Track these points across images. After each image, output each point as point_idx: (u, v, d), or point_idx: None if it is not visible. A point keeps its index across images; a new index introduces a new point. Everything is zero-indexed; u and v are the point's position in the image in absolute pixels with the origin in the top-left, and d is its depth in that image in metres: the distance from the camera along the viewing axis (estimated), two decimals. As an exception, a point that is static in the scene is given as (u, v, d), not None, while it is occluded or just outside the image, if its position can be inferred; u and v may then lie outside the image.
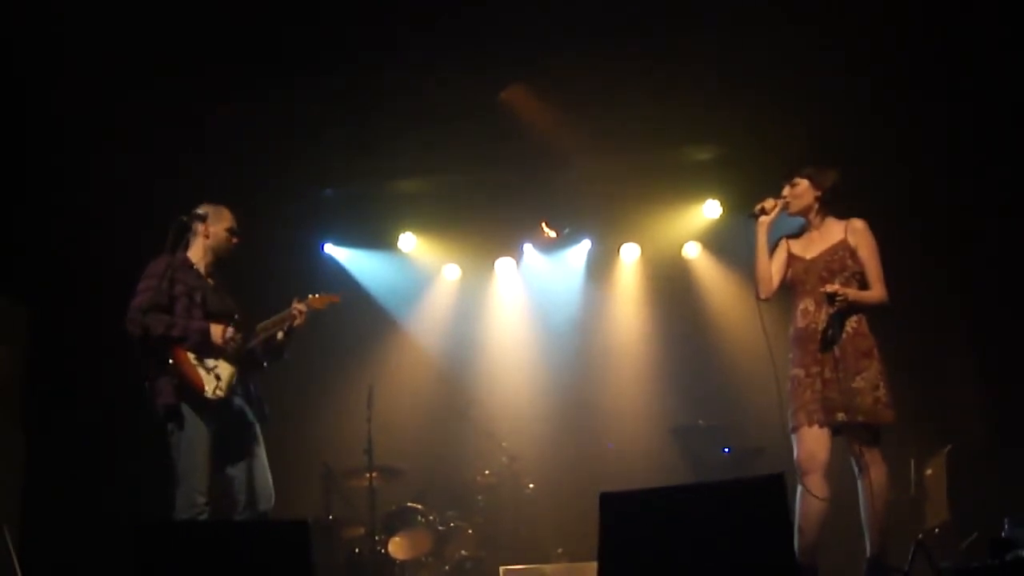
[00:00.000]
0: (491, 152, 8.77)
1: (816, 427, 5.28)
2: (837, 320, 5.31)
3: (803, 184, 5.55)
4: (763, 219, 5.51)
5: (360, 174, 9.14)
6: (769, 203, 5.53)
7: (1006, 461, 7.00)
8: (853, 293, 5.32)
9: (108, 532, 6.81)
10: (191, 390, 5.52)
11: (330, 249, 9.88)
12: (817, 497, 5.19)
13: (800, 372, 5.40)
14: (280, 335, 5.87)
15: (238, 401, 5.73)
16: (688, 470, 8.41)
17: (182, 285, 5.68)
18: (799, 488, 5.27)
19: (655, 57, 7.71)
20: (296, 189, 9.09)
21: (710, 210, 9.48)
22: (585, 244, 9.95)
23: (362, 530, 8.19)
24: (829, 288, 5.27)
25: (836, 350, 5.30)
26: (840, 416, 5.26)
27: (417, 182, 9.56)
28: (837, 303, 5.26)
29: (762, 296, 5.56)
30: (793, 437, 5.37)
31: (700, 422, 8.66)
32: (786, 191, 5.58)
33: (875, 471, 5.28)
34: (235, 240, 5.94)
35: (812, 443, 5.28)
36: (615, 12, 7.28)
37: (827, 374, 5.31)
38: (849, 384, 5.26)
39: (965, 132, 7.71)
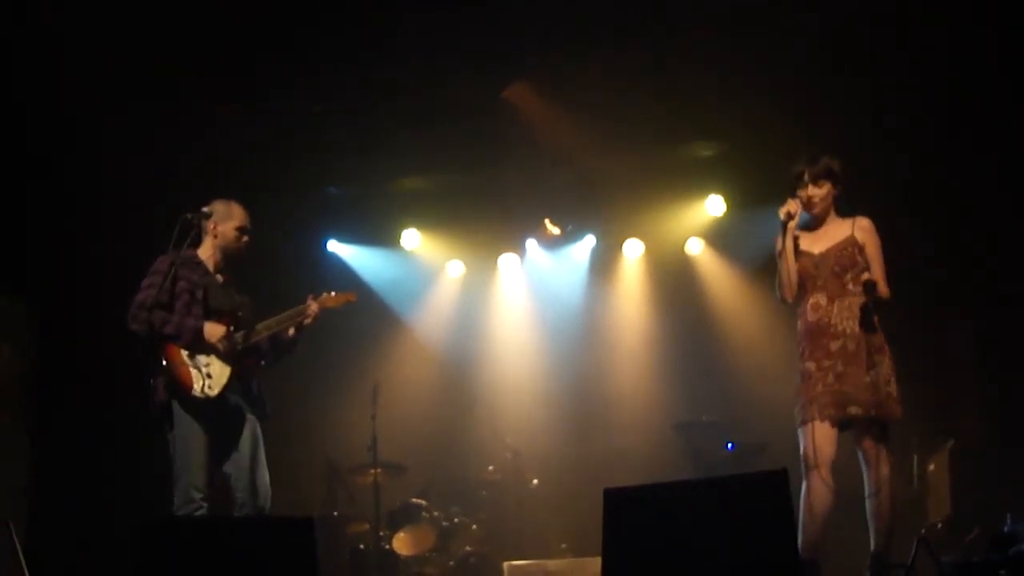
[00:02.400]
0: (494, 149, 8.79)
1: (826, 423, 5.26)
2: (869, 311, 5.31)
3: (827, 186, 5.54)
4: (791, 224, 5.48)
5: (363, 172, 9.16)
6: (794, 206, 5.44)
7: (1008, 457, 7.01)
8: (883, 288, 5.34)
9: (112, 529, 6.84)
10: (179, 388, 5.50)
11: (334, 246, 9.90)
12: (828, 484, 5.18)
13: (812, 366, 5.38)
14: (291, 331, 5.85)
15: (235, 399, 5.68)
16: (691, 466, 8.41)
17: (185, 282, 5.65)
18: (803, 483, 5.28)
19: (657, 54, 7.72)
20: (300, 187, 9.11)
21: (713, 206, 9.48)
22: (588, 240, 9.96)
23: (366, 526, 8.22)
24: (867, 276, 5.26)
25: (850, 344, 5.32)
26: (853, 410, 5.25)
27: (420, 179, 9.57)
28: (874, 293, 5.25)
29: (789, 300, 5.53)
30: (800, 431, 5.34)
31: (703, 418, 8.67)
32: (811, 191, 5.52)
33: (883, 467, 5.29)
34: (245, 239, 5.87)
35: (820, 438, 5.25)
36: (617, 10, 7.29)
37: (839, 368, 5.30)
38: (862, 379, 5.26)
39: (965, 129, 7.72)
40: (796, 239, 5.51)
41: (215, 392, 5.56)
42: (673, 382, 9.25)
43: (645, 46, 7.61)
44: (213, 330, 5.61)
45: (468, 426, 9.16)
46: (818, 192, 5.51)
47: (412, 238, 9.92)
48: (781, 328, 7.57)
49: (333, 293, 5.94)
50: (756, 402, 8.56)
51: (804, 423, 5.33)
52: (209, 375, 5.57)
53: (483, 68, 7.83)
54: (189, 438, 5.51)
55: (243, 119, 8.05)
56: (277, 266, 8.43)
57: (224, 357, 5.64)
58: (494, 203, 9.47)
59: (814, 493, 5.22)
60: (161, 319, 5.52)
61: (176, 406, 5.52)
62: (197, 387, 5.52)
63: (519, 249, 10.12)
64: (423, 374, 9.69)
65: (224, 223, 5.83)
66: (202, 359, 5.59)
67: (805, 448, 5.29)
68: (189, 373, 5.54)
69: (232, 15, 6.97)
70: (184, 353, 5.56)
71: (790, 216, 5.43)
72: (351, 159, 8.86)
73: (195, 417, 5.52)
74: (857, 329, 5.34)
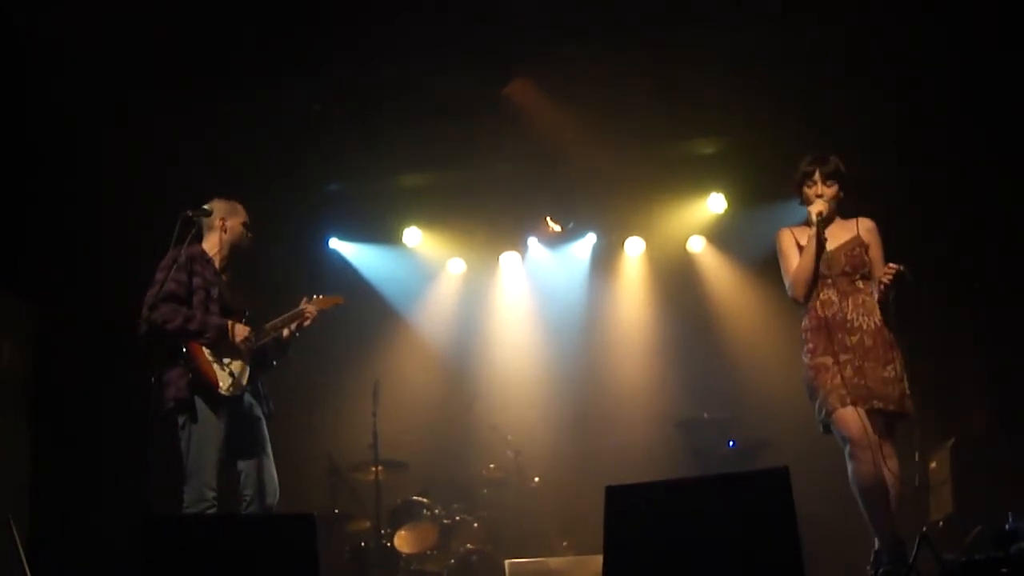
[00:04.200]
0: (495, 147, 8.78)
1: (852, 407, 5.21)
2: (889, 304, 5.35)
3: (835, 187, 5.55)
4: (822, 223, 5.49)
5: (365, 169, 9.14)
6: (824, 206, 5.47)
7: (1010, 454, 7.01)
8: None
9: (113, 526, 6.84)
10: (206, 386, 5.51)
11: (335, 244, 9.89)
12: (878, 464, 5.14)
13: (828, 360, 5.34)
14: (286, 332, 5.87)
15: (248, 397, 5.73)
16: (693, 463, 8.41)
17: (200, 278, 5.67)
18: (851, 470, 5.19)
19: (659, 50, 7.72)
20: (301, 185, 9.11)
21: (714, 204, 9.46)
22: (590, 238, 9.95)
23: (368, 524, 8.22)
24: (897, 267, 5.24)
25: (867, 339, 5.33)
26: (876, 403, 5.25)
27: (422, 177, 9.56)
28: (907, 280, 5.25)
29: (800, 298, 5.52)
30: (832, 420, 5.27)
31: (705, 415, 8.66)
32: (821, 190, 5.53)
33: (891, 464, 5.29)
34: (250, 235, 5.94)
35: (858, 419, 5.18)
36: (618, 6, 7.29)
37: (857, 362, 5.30)
38: (880, 374, 5.29)
39: (968, 125, 7.71)
40: (824, 239, 5.49)
41: (238, 391, 5.60)
42: (675, 380, 9.24)
43: (646, 43, 7.61)
44: (238, 330, 5.64)
45: (469, 424, 9.14)
46: (828, 192, 5.52)
47: (413, 236, 9.91)
48: (783, 326, 7.57)
49: (321, 296, 5.98)
50: (758, 400, 8.57)
51: (832, 412, 5.26)
52: (232, 374, 5.59)
53: (483, 65, 7.83)
54: (207, 436, 5.51)
55: (246, 115, 8.04)
56: (279, 264, 8.43)
57: (244, 356, 5.67)
58: (495, 201, 9.46)
59: (867, 477, 5.14)
60: (185, 315, 5.53)
61: (199, 403, 5.51)
62: (224, 386, 5.55)
63: (520, 247, 10.11)
64: (424, 372, 9.68)
65: (232, 218, 5.87)
66: (225, 358, 5.62)
67: (850, 432, 5.19)
68: (214, 372, 5.56)
69: (232, 14, 6.96)
70: (207, 352, 5.57)
71: (822, 216, 5.45)
72: (352, 157, 8.85)
73: (216, 415, 5.54)
74: (873, 325, 5.37)
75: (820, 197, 5.50)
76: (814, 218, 5.45)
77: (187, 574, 4.28)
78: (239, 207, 5.93)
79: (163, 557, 4.29)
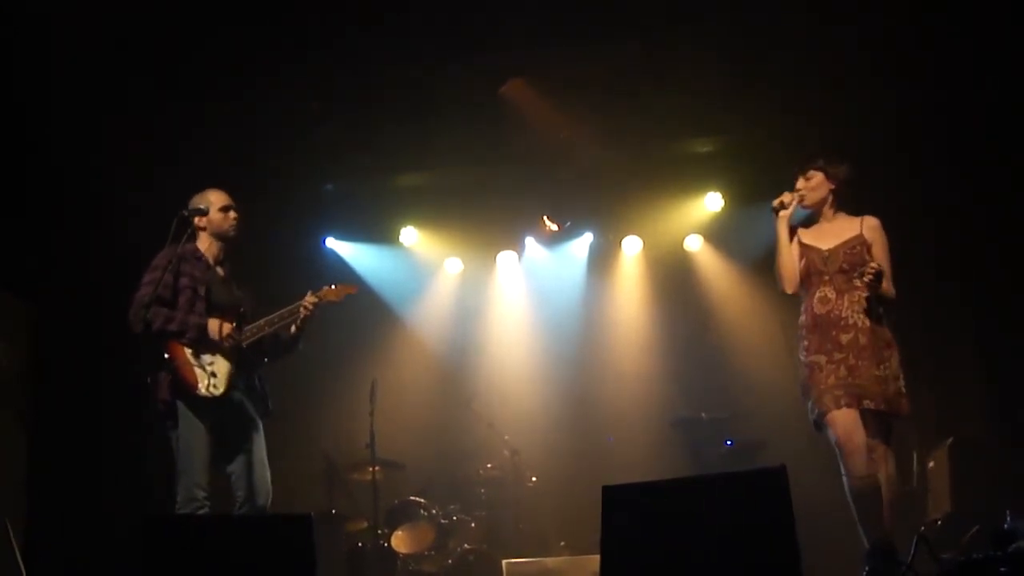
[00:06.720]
0: (492, 146, 8.77)
1: (845, 408, 5.23)
2: (875, 304, 5.36)
3: (818, 177, 5.59)
4: (783, 213, 5.53)
5: (362, 168, 9.13)
6: (787, 197, 5.55)
7: (1008, 454, 7.01)
8: (886, 284, 5.38)
9: (110, 527, 6.83)
10: (185, 387, 5.49)
11: (332, 243, 9.88)
12: (867, 468, 5.15)
13: (822, 358, 5.36)
14: (293, 328, 5.83)
15: (237, 396, 5.69)
16: (690, 463, 8.41)
17: (187, 277, 5.65)
18: (843, 475, 5.23)
19: (656, 49, 7.72)
20: (298, 184, 9.10)
21: (711, 203, 9.47)
22: (587, 237, 9.95)
23: (365, 524, 8.22)
24: (874, 266, 5.28)
25: (861, 338, 5.33)
26: (867, 403, 5.25)
27: (419, 176, 9.56)
28: (878, 285, 5.29)
29: (789, 291, 5.55)
30: (824, 423, 5.31)
31: (702, 415, 8.65)
32: (801, 184, 5.59)
33: (885, 464, 5.29)
34: (232, 216, 5.87)
35: (848, 422, 5.21)
36: (615, 5, 7.29)
37: (851, 361, 5.31)
38: (873, 372, 5.29)
39: (970, 124, 7.71)
40: (793, 229, 5.56)
41: (220, 391, 5.56)
42: (672, 379, 9.24)
43: (643, 41, 7.61)
44: (217, 327, 5.60)
45: (466, 424, 9.13)
46: (807, 184, 5.57)
47: (410, 235, 9.91)
48: (780, 325, 7.57)
49: (333, 286, 5.93)
50: (755, 399, 8.57)
51: (824, 414, 5.29)
52: (214, 374, 5.55)
53: (481, 64, 7.83)
54: (193, 437, 5.49)
55: (243, 114, 8.03)
56: (275, 263, 8.42)
57: (228, 354, 5.63)
58: (492, 200, 9.45)
59: (858, 481, 5.17)
60: (165, 316, 5.51)
61: (180, 405, 5.50)
62: (202, 386, 5.51)
63: (517, 246, 10.10)
64: (421, 372, 9.68)
65: (209, 209, 5.83)
66: (207, 357, 5.58)
67: (837, 436, 5.24)
68: (194, 372, 5.52)
69: (230, 12, 6.96)
70: (188, 351, 5.55)
71: (783, 205, 5.53)
72: (349, 156, 8.85)
73: (199, 416, 5.51)
74: (868, 323, 5.35)
75: (799, 191, 5.59)
76: (774, 205, 5.55)
77: (186, 574, 4.28)
78: (212, 195, 5.87)
79: (162, 557, 4.29)
